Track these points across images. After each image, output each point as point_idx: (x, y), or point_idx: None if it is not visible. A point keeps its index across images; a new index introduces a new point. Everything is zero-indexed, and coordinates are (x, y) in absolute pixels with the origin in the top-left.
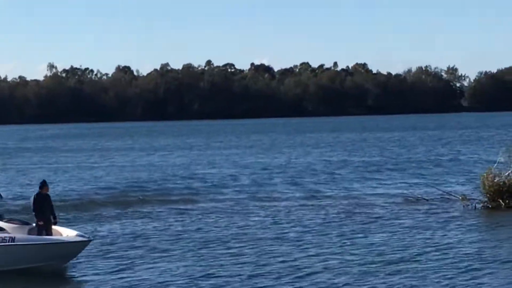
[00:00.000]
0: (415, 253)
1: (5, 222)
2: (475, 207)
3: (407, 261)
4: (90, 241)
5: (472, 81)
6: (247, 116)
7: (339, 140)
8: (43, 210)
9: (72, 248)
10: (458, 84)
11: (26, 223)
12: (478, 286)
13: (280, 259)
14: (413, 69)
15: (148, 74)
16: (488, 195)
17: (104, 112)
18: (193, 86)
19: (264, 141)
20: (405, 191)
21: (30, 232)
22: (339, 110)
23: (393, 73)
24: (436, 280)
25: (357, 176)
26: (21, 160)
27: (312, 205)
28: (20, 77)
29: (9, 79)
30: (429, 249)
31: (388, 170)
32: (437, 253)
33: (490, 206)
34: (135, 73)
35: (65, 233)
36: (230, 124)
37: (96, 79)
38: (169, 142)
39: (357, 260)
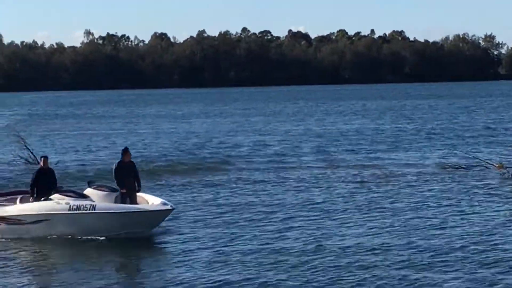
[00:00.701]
0: (443, 220)
1: (94, 188)
2: (511, 175)
3: (435, 227)
4: (171, 210)
5: (509, 48)
6: (283, 84)
7: (372, 107)
8: (124, 178)
9: (153, 217)
10: (495, 52)
11: (114, 190)
12: (504, 253)
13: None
14: (451, 37)
15: (185, 41)
16: None
17: (140, 79)
18: (229, 53)
19: (299, 108)
20: (440, 159)
21: (116, 199)
22: (375, 77)
23: (431, 41)
24: (462, 245)
25: (391, 144)
26: (71, 126)
27: (342, 173)
28: (57, 43)
29: (46, 46)
30: (458, 216)
31: (424, 138)
32: (464, 221)
33: None
34: (171, 40)
35: (150, 200)
36: (266, 91)
37: (133, 46)
38: (208, 109)
39: (383, 227)
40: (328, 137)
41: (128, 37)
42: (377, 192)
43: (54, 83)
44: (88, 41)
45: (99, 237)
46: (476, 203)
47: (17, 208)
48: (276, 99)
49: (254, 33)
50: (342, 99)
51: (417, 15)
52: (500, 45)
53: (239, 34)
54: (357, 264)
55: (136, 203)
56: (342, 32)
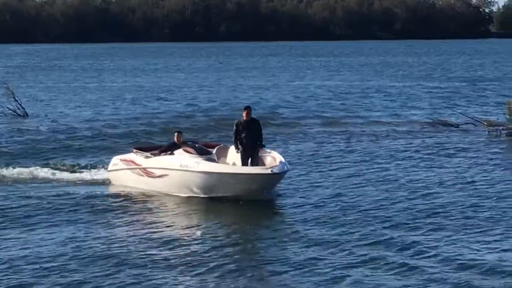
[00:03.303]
0: (431, 179)
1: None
2: (500, 133)
3: (424, 186)
4: (277, 174)
5: (501, 7)
6: (274, 39)
7: (365, 63)
8: (241, 137)
9: (255, 180)
10: (487, 10)
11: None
12: (491, 210)
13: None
14: None
15: None
16: None
17: (131, 33)
18: (220, 8)
19: (272, 64)
20: (430, 116)
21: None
22: (366, 34)
23: None
24: (451, 201)
25: (381, 101)
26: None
27: (335, 131)
28: None
29: None
30: (446, 174)
31: (414, 96)
32: (452, 178)
33: None
34: None
35: (269, 160)
36: (258, 46)
37: None
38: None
39: (372, 182)
40: (324, 95)
41: None
42: (363, 149)
43: (44, 36)
44: None
45: (221, 196)
46: (463, 161)
47: (152, 160)
48: (275, 54)
49: None
50: (334, 55)
51: None
52: (492, 3)
53: None
54: (333, 219)
55: (257, 164)
56: None
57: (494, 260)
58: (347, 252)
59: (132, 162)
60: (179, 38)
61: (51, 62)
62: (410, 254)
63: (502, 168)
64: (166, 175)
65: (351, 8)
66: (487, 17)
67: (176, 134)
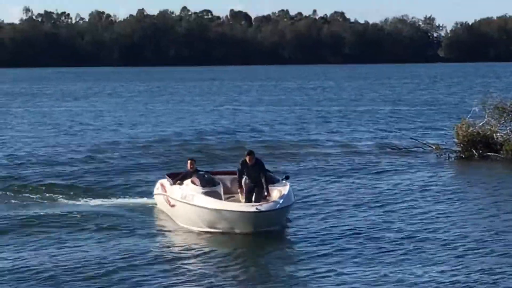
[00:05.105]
0: (381, 200)
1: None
2: (448, 157)
3: (374, 206)
4: (258, 212)
5: (448, 31)
6: (224, 63)
7: (310, 86)
8: (245, 177)
9: (241, 218)
10: (435, 34)
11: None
12: (441, 231)
13: None
14: (390, 19)
15: (124, 20)
16: (461, 145)
17: (80, 57)
18: (169, 32)
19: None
20: (380, 140)
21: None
22: (316, 58)
23: (371, 22)
24: (402, 224)
25: (325, 124)
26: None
27: (282, 154)
28: None
29: None
30: (396, 196)
31: (362, 119)
32: (403, 202)
33: (463, 156)
34: (111, 18)
35: (275, 195)
36: (207, 70)
37: (73, 23)
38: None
39: (317, 205)
40: (255, 119)
41: (68, 14)
42: (315, 174)
43: None
44: (27, 17)
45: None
46: (410, 184)
47: (170, 189)
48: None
49: (195, 12)
50: (285, 79)
51: None
52: (440, 28)
53: (178, 13)
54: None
55: (260, 199)
56: (284, 12)
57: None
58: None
59: (163, 187)
60: (130, 63)
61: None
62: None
63: (450, 192)
64: (175, 205)
65: (300, 32)
66: (435, 41)
67: (188, 161)
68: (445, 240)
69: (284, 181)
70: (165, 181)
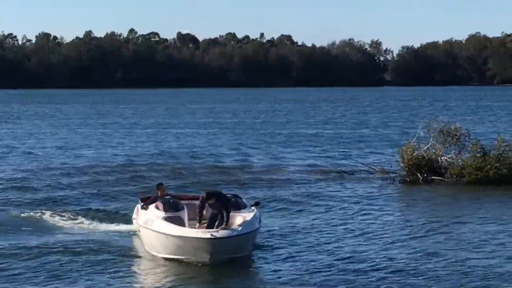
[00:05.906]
0: (317, 224)
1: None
2: (393, 180)
3: (319, 231)
4: (213, 239)
5: (395, 55)
6: (171, 86)
7: (255, 109)
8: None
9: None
10: (382, 58)
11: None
12: (385, 255)
13: None
14: (337, 42)
15: (72, 41)
16: (406, 169)
17: (27, 79)
18: (116, 55)
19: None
20: (324, 164)
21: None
22: (263, 81)
23: (318, 45)
24: (339, 250)
25: (270, 148)
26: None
27: (231, 179)
28: None
29: None
30: (339, 221)
31: (308, 143)
32: (346, 226)
33: (408, 179)
34: (58, 40)
35: (237, 221)
36: (156, 94)
37: (19, 45)
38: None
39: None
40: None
41: (15, 36)
42: (261, 197)
43: None
44: None
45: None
46: (354, 208)
47: (139, 213)
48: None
49: (142, 35)
50: (227, 101)
51: (306, 19)
52: (387, 52)
53: (125, 36)
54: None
55: (221, 224)
56: (231, 35)
57: None
58: None
59: (137, 211)
60: (79, 85)
61: None
62: None
63: (394, 215)
64: (140, 230)
65: (247, 55)
66: (381, 65)
67: (156, 186)
68: (374, 261)
69: (252, 207)
70: (138, 205)
